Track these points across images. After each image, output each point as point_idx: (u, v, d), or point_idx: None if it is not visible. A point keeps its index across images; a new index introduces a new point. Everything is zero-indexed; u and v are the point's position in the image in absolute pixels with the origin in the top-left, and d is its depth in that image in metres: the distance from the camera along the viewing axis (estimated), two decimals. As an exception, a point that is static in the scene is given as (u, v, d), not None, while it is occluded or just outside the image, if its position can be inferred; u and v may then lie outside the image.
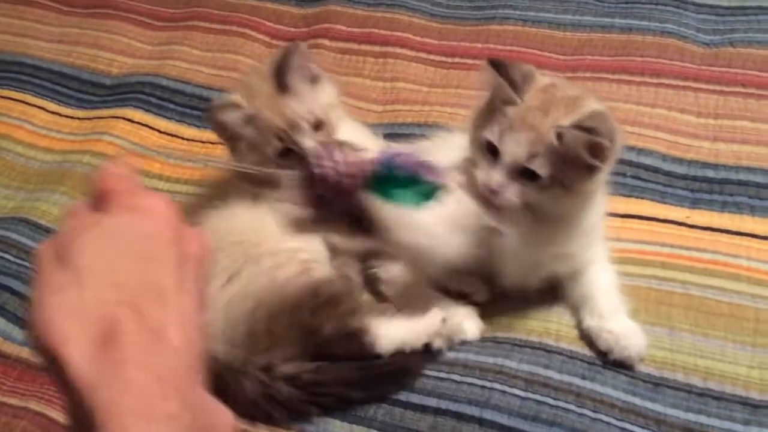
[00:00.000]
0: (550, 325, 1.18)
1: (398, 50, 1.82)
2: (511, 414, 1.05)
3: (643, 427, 1.04)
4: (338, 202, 1.16)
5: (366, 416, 1.08)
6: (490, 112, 1.11)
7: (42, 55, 2.02)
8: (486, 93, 1.13)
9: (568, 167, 1.06)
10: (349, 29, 1.90)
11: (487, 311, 1.22)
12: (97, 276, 0.54)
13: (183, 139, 1.73)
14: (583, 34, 1.78)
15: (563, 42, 1.77)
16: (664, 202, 1.40)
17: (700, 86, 1.61)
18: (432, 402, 1.08)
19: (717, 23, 1.75)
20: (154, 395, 0.50)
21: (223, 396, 1.08)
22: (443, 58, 1.80)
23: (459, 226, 1.12)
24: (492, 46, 1.77)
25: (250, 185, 1.25)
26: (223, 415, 0.59)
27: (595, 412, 1.06)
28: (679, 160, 1.47)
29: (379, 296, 1.26)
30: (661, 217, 1.37)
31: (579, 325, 1.18)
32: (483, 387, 1.09)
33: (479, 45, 1.79)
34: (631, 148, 1.48)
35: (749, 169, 1.44)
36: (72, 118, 1.84)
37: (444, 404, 1.08)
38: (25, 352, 1.27)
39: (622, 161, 1.36)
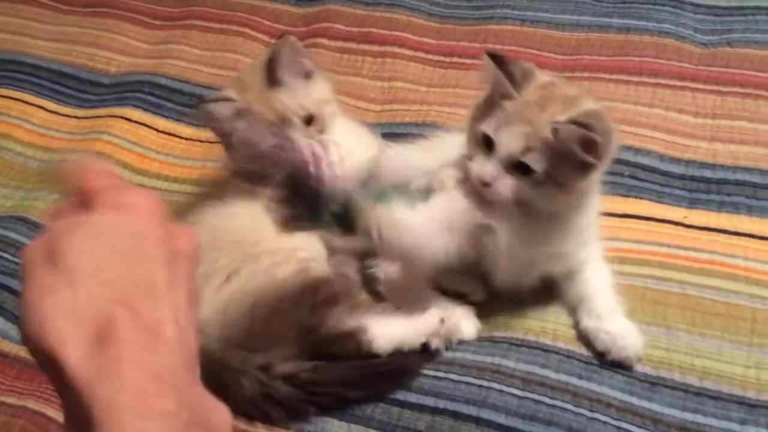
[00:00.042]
0: (547, 325, 1.19)
1: (397, 50, 1.83)
2: (509, 413, 1.06)
3: (639, 427, 1.04)
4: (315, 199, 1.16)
5: (364, 415, 1.08)
6: (488, 106, 1.11)
7: (40, 54, 2.02)
8: (485, 89, 1.14)
9: (563, 164, 1.06)
10: (348, 29, 1.90)
11: (484, 311, 1.22)
12: (89, 275, 0.54)
13: (181, 138, 1.74)
14: (581, 34, 1.78)
15: (561, 42, 1.77)
16: (662, 202, 1.40)
17: (698, 86, 1.61)
18: (429, 401, 1.08)
19: (715, 23, 1.75)
20: (151, 393, 0.50)
21: (221, 395, 1.09)
22: (441, 58, 1.80)
23: (448, 225, 1.12)
24: (490, 45, 1.77)
25: (247, 183, 1.26)
26: (220, 412, 0.59)
27: (591, 411, 1.06)
28: (677, 160, 1.48)
29: (377, 295, 1.26)
30: (659, 217, 1.38)
31: (576, 326, 1.18)
32: (480, 386, 1.09)
33: (477, 45, 1.79)
34: (629, 148, 1.48)
35: (747, 170, 1.44)
36: (71, 117, 1.84)
37: (441, 403, 1.08)
38: (24, 351, 1.27)
39: (619, 161, 1.37)
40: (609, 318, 1.15)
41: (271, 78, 1.24)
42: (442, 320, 1.16)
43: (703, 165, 1.46)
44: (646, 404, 1.07)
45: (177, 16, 2.06)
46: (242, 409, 1.08)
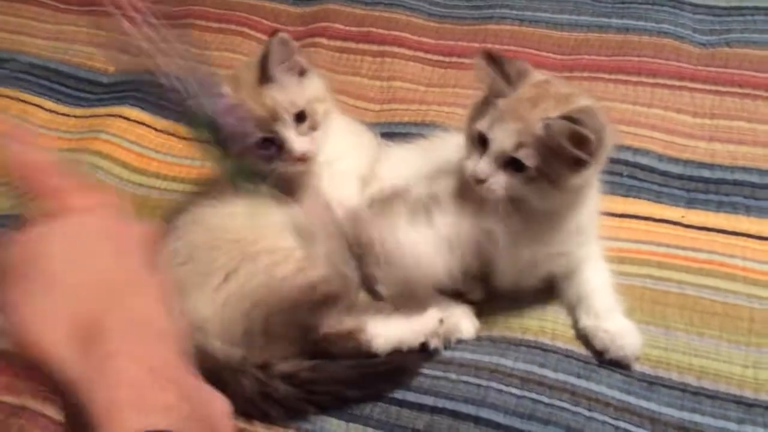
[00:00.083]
0: (545, 324, 1.19)
1: (396, 49, 1.83)
2: (507, 412, 1.06)
3: (637, 426, 1.05)
4: None
5: (362, 414, 1.08)
6: (485, 106, 1.12)
7: (38, 53, 2.02)
8: (483, 89, 1.14)
9: (555, 160, 1.05)
10: (347, 28, 1.90)
11: (483, 310, 1.22)
12: (65, 278, 0.54)
13: (180, 137, 1.73)
14: (580, 33, 1.78)
15: (560, 42, 1.78)
16: (660, 202, 1.41)
17: (697, 86, 1.62)
18: (428, 400, 1.08)
19: (713, 23, 1.76)
20: (149, 387, 0.51)
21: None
22: (441, 58, 1.81)
23: (450, 244, 1.14)
24: (489, 45, 1.77)
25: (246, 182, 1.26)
26: (218, 402, 0.60)
27: (590, 410, 1.06)
28: (675, 160, 1.48)
29: (376, 295, 1.26)
30: (657, 216, 1.38)
31: (575, 325, 1.18)
32: (479, 386, 1.09)
33: (477, 44, 1.79)
34: (627, 148, 1.49)
35: (745, 169, 1.44)
36: (69, 116, 1.84)
37: (440, 403, 1.08)
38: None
39: (618, 161, 1.37)
40: (608, 317, 1.15)
41: (263, 74, 1.24)
42: (441, 320, 1.16)
43: (702, 165, 1.46)
44: (644, 403, 1.08)
45: (175, 16, 2.06)
46: (241, 408, 1.08)
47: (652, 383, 1.10)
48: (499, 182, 1.09)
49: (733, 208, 1.38)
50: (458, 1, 1.92)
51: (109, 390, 0.50)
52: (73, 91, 1.91)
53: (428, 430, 1.05)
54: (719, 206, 1.39)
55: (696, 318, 1.19)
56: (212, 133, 1.15)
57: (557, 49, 1.76)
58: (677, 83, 1.63)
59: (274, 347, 1.12)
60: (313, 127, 1.26)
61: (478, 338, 1.18)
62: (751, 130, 1.52)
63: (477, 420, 1.05)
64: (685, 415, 1.06)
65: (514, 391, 1.08)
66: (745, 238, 1.33)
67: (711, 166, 1.46)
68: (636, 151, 1.49)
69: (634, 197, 1.41)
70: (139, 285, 0.57)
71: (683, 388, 1.10)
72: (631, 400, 1.08)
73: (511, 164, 1.08)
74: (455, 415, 1.06)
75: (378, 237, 1.16)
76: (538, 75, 1.14)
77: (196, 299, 1.13)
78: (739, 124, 1.54)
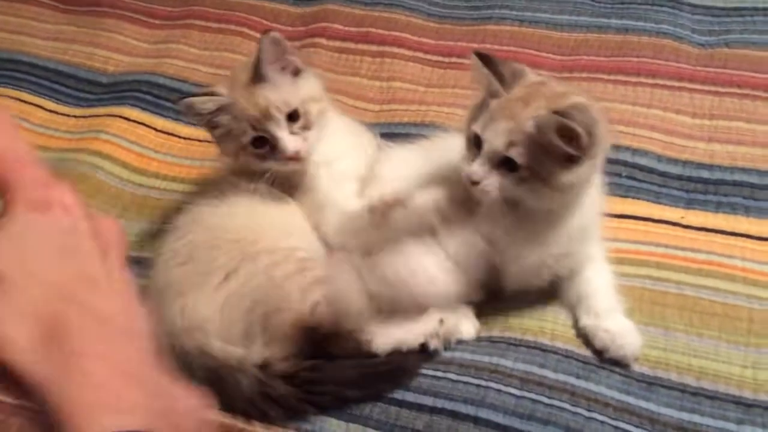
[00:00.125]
0: (545, 325, 1.19)
1: (395, 50, 1.83)
2: (507, 413, 1.05)
3: (637, 426, 1.04)
4: None
5: (362, 414, 1.08)
6: (482, 107, 1.12)
7: (38, 53, 2.02)
8: (481, 90, 1.14)
9: (546, 157, 1.05)
10: (347, 28, 1.90)
11: (482, 310, 1.22)
12: (25, 278, 0.53)
13: (179, 137, 1.74)
14: (579, 34, 1.78)
15: (560, 42, 1.78)
16: (659, 203, 1.41)
17: (696, 87, 1.62)
18: (428, 401, 1.08)
19: (712, 24, 1.76)
20: (116, 386, 0.50)
21: (219, 393, 1.10)
22: (440, 58, 1.81)
23: (458, 263, 1.15)
24: (489, 46, 1.78)
25: (244, 180, 1.27)
26: (189, 398, 0.59)
27: (589, 410, 1.06)
28: (674, 161, 1.48)
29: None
30: (656, 217, 1.38)
31: (575, 324, 1.18)
32: (478, 386, 1.09)
33: (476, 45, 1.79)
34: (627, 149, 1.49)
35: (744, 170, 1.45)
36: (69, 116, 1.84)
37: (440, 403, 1.08)
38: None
39: (617, 161, 1.37)
40: (608, 316, 1.15)
41: (256, 74, 1.25)
42: (441, 321, 1.16)
43: (701, 165, 1.47)
44: (643, 404, 1.07)
45: (176, 16, 2.06)
46: (240, 407, 1.08)
47: (652, 384, 1.10)
48: (492, 183, 1.09)
49: (732, 209, 1.38)
50: (458, 2, 1.92)
51: (76, 391, 0.49)
52: (73, 91, 1.91)
53: (428, 431, 1.05)
54: (718, 207, 1.39)
55: (695, 318, 1.19)
56: None
57: (557, 50, 1.76)
58: (676, 84, 1.63)
59: (273, 347, 1.12)
60: (307, 127, 1.26)
61: (478, 339, 1.18)
62: (750, 131, 1.53)
63: (476, 420, 1.05)
64: (685, 416, 1.06)
65: (513, 391, 1.08)
66: (744, 238, 1.33)
67: (710, 167, 1.47)
68: (635, 151, 1.49)
69: (634, 198, 1.41)
70: (102, 282, 0.56)
71: (682, 389, 1.09)
72: (631, 400, 1.08)
73: (504, 164, 1.08)
74: (455, 415, 1.06)
75: (386, 261, 1.17)
76: (533, 76, 1.14)
77: (196, 299, 1.13)
78: (738, 125, 1.54)
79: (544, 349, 1.15)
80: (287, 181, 1.28)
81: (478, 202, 1.14)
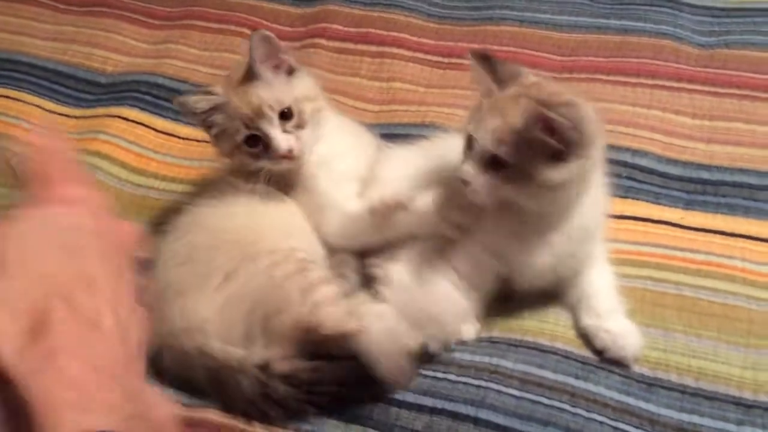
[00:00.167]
0: (545, 326, 1.19)
1: (395, 50, 1.83)
2: (506, 413, 1.06)
3: (636, 427, 1.05)
4: None
5: (362, 415, 1.08)
6: (479, 107, 1.12)
7: (37, 53, 2.01)
8: (480, 90, 1.14)
9: (532, 154, 1.05)
10: (346, 29, 1.90)
11: (482, 311, 1.22)
12: (23, 269, 0.54)
13: (179, 137, 1.74)
14: (579, 35, 1.78)
15: (560, 43, 1.77)
16: (659, 204, 1.41)
17: (695, 88, 1.62)
18: (428, 401, 1.08)
19: (712, 25, 1.76)
20: (91, 386, 0.50)
21: (219, 394, 1.10)
22: (440, 59, 1.81)
23: (472, 283, 1.16)
24: (489, 46, 1.77)
25: (243, 180, 1.27)
26: (164, 406, 0.59)
27: (588, 411, 1.06)
28: (674, 162, 1.48)
29: (378, 296, 1.26)
30: (656, 218, 1.38)
31: (576, 324, 1.18)
32: (478, 386, 1.09)
33: (476, 45, 1.79)
34: (626, 150, 1.49)
35: (743, 171, 1.45)
36: (69, 116, 1.84)
37: (440, 404, 1.08)
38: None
39: (617, 162, 1.37)
40: (609, 317, 1.15)
41: (249, 72, 1.25)
42: (443, 323, 1.17)
43: (700, 166, 1.47)
44: (643, 405, 1.07)
45: (175, 16, 2.06)
46: (240, 408, 1.08)
47: (651, 384, 1.10)
48: (482, 183, 1.09)
49: (732, 210, 1.39)
50: (458, 2, 1.92)
51: (50, 387, 0.49)
52: (72, 91, 1.91)
53: (427, 431, 1.05)
54: (718, 207, 1.39)
55: (695, 319, 1.19)
56: None
57: (557, 51, 1.76)
58: (676, 84, 1.63)
59: (273, 348, 1.12)
60: (300, 126, 1.27)
61: (478, 339, 1.18)
62: (749, 132, 1.53)
63: (476, 421, 1.05)
64: (684, 417, 1.06)
65: (513, 392, 1.08)
66: (743, 239, 1.33)
67: (710, 168, 1.47)
68: (635, 152, 1.49)
69: (633, 199, 1.41)
70: (99, 283, 0.56)
71: (682, 390, 1.09)
72: (630, 401, 1.08)
73: (493, 164, 1.08)
74: (454, 416, 1.06)
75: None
76: (531, 77, 1.13)
77: (196, 300, 1.13)
78: (737, 126, 1.54)
79: (543, 350, 1.15)
80: (284, 181, 1.28)
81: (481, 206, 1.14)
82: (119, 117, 1.80)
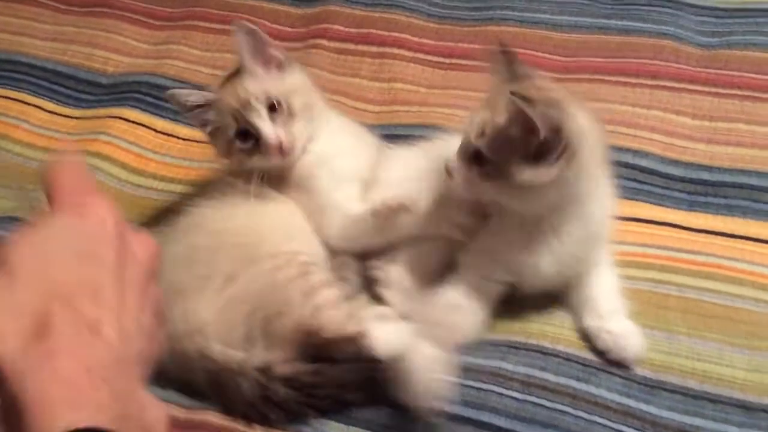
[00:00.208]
0: (546, 328, 1.18)
1: (396, 51, 1.82)
2: (508, 416, 1.05)
3: (639, 430, 1.04)
4: None
5: (363, 418, 1.08)
6: None
7: (37, 54, 2.01)
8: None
9: (510, 151, 1.04)
10: (347, 29, 1.89)
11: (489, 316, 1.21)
12: (31, 274, 0.55)
13: (179, 138, 1.74)
14: (580, 35, 1.77)
15: (561, 43, 1.77)
16: (661, 205, 1.40)
17: (697, 88, 1.61)
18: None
19: (714, 25, 1.75)
20: (83, 385, 0.51)
21: (220, 396, 1.10)
22: (441, 59, 1.80)
23: (482, 293, 1.16)
24: (490, 47, 1.77)
25: (242, 181, 1.27)
26: (156, 409, 0.60)
27: (590, 414, 1.05)
28: (675, 162, 1.48)
29: (378, 298, 1.26)
30: (658, 219, 1.38)
31: (578, 325, 1.18)
32: (480, 389, 1.08)
33: (478, 46, 1.78)
34: (627, 150, 1.49)
35: (744, 172, 1.44)
36: (69, 117, 1.85)
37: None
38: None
39: (618, 163, 1.37)
40: (611, 318, 1.15)
41: (239, 68, 1.28)
42: (444, 325, 1.16)
43: (701, 167, 1.47)
44: (645, 407, 1.07)
45: (176, 17, 2.05)
46: (241, 410, 1.08)
47: (654, 387, 1.10)
48: (463, 176, 1.09)
49: (733, 211, 1.39)
50: (458, 3, 1.91)
51: (42, 384, 0.50)
52: (72, 92, 1.91)
53: (428, 434, 1.05)
54: (719, 209, 1.39)
55: (698, 321, 1.19)
56: None
57: (558, 51, 1.75)
58: (677, 85, 1.63)
59: (274, 350, 1.12)
60: (290, 118, 1.27)
61: (479, 342, 1.18)
62: (750, 132, 1.52)
63: (477, 424, 1.05)
64: (687, 420, 1.05)
65: (515, 394, 1.08)
66: (745, 241, 1.33)
67: (710, 169, 1.47)
68: (636, 153, 1.49)
69: (635, 200, 1.41)
70: (105, 293, 0.57)
71: (685, 392, 1.09)
72: (633, 403, 1.07)
73: (475, 157, 1.08)
74: (456, 418, 1.06)
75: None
76: (543, 80, 1.12)
77: (197, 301, 1.13)
78: (738, 126, 1.53)
79: (545, 353, 1.14)
80: (283, 181, 1.28)
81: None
82: (120, 118, 1.80)
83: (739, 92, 1.59)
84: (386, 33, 1.86)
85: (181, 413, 1.10)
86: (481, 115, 1.06)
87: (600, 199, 1.15)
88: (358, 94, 1.76)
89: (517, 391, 1.08)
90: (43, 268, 0.56)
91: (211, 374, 1.10)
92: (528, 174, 1.04)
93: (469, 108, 1.18)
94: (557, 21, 1.81)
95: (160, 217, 1.47)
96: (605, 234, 1.20)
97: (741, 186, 1.42)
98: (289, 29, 1.95)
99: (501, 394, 1.08)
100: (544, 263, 1.14)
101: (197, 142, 1.69)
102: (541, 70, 1.28)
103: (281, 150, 1.24)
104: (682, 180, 1.44)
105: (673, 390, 1.09)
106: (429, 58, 1.81)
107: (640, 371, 1.12)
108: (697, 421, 1.05)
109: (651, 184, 1.44)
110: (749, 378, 1.10)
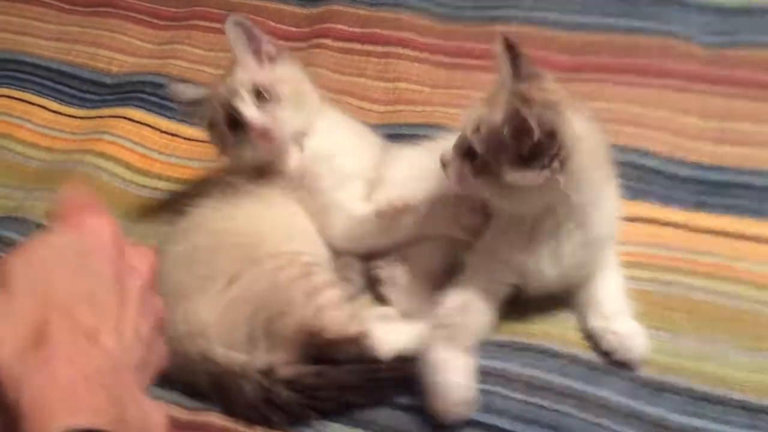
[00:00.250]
0: (551, 329, 1.18)
1: (401, 50, 1.81)
2: (512, 418, 1.05)
3: (644, 431, 1.04)
4: None
5: (365, 420, 1.08)
6: None
7: (40, 53, 2.02)
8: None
9: (501, 150, 1.03)
10: (352, 29, 1.89)
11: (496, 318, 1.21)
12: (29, 287, 0.56)
13: (184, 138, 1.73)
14: (587, 35, 1.76)
15: (567, 43, 1.75)
16: (667, 205, 1.40)
17: (704, 88, 1.60)
18: (432, 405, 1.08)
19: (722, 25, 1.73)
20: (80, 390, 0.52)
21: (222, 398, 1.09)
22: (446, 59, 1.79)
23: (487, 292, 1.14)
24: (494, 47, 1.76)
25: (244, 180, 1.28)
26: (157, 415, 0.61)
27: (595, 416, 1.05)
28: (682, 163, 1.47)
29: (382, 298, 1.26)
30: (664, 220, 1.37)
31: (583, 326, 1.18)
32: (484, 391, 1.08)
33: (483, 45, 1.78)
34: (634, 150, 1.48)
35: (751, 172, 1.43)
36: (74, 117, 1.85)
37: (444, 408, 1.07)
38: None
39: (624, 163, 1.36)
40: (617, 319, 1.14)
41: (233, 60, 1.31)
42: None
43: (709, 168, 1.45)
44: (650, 409, 1.07)
45: (180, 17, 2.05)
46: (243, 413, 1.08)
47: (659, 388, 1.09)
48: (455, 169, 1.09)
49: (741, 212, 1.37)
50: (464, 2, 1.90)
51: (40, 389, 0.51)
52: (77, 92, 1.91)
53: (432, 436, 1.05)
54: (726, 209, 1.38)
55: (703, 322, 1.18)
56: None
57: (564, 51, 1.74)
58: (684, 85, 1.61)
59: (277, 352, 1.11)
60: (274, 102, 1.28)
61: (484, 343, 1.17)
62: (759, 132, 1.51)
63: (482, 426, 1.05)
64: (693, 421, 1.05)
65: (519, 396, 1.08)
66: (752, 241, 1.32)
67: (717, 169, 1.45)
68: (643, 153, 1.48)
69: (641, 200, 1.40)
70: (98, 304, 0.58)
71: (690, 394, 1.08)
72: (638, 405, 1.07)
73: (468, 152, 1.07)
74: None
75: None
76: (550, 82, 1.11)
77: (198, 303, 1.13)
78: (747, 126, 1.52)
79: (550, 354, 1.14)
80: (284, 181, 1.28)
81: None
82: (124, 118, 1.80)
83: (746, 92, 1.57)
84: (391, 32, 1.85)
85: (183, 414, 1.10)
86: (479, 111, 1.06)
87: (602, 204, 1.14)
88: (362, 94, 1.75)
89: (521, 392, 1.08)
90: (41, 281, 0.57)
91: (214, 377, 1.09)
92: (517, 175, 1.03)
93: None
94: (563, 20, 1.80)
95: (164, 218, 1.47)
96: (610, 237, 1.19)
97: (747, 186, 1.41)
98: (293, 29, 1.94)
99: (505, 396, 1.08)
100: (544, 266, 1.13)
101: (201, 141, 1.68)
102: (548, 70, 1.27)
103: (266, 135, 1.25)
104: (688, 180, 1.43)
105: (678, 391, 1.09)
106: (434, 57, 1.80)
107: (645, 372, 1.11)
108: (702, 423, 1.05)
109: (658, 185, 1.43)
110: (754, 379, 1.10)
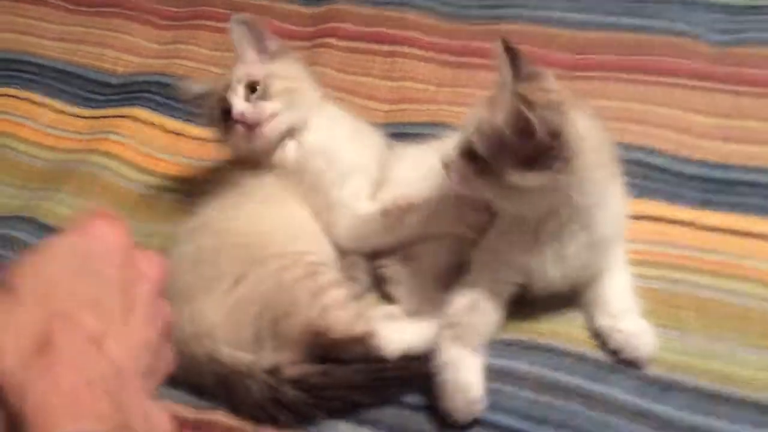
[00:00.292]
0: (559, 327, 1.18)
1: (406, 49, 1.81)
2: (520, 416, 1.05)
3: (651, 429, 1.03)
4: None
5: (372, 419, 1.08)
6: None
7: (44, 53, 2.03)
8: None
9: (504, 152, 1.02)
10: (357, 28, 1.89)
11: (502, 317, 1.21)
12: (33, 294, 0.56)
13: (189, 138, 1.74)
14: (592, 33, 1.76)
15: (573, 41, 1.75)
16: (674, 203, 1.39)
17: (711, 86, 1.59)
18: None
19: (729, 22, 1.73)
20: (84, 395, 0.52)
21: (228, 398, 1.09)
22: (452, 58, 1.79)
23: (494, 291, 1.14)
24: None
25: (249, 174, 1.30)
26: (162, 421, 0.61)
27: (603, 414, 1.05)
28: (689, 161, 1.46)
29: (388, 296, 1.26)
30: (671, 217, 1.37)
31: (590, 324, 1.17)
32: (492, 389, 1.07)
33: (488, 44, 1.76)
34: (640, 148, 1.47)
35: (760, 170, 1.43)
36: (78, 117, 1.85)
37: (451, 407, 1.07)
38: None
39: (630, 161, 1.36)
40: (624, 317, 1.14)
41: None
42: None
43: (716, 165, 1.45)
44: (658, 407, 1.06)
45: (185, 16, 2.06)
46: (250, 413, 1.08)
47: (667, 387, 1.09)
48: (457, 170, 1.09)
49: (748, 210, 1.37)
50: (469, 1, 1.90)
51: (43, 395, 0.51)
52: (82, 92, 1.92)
53: (439, 435, 1.04)
54: (733, 207, 1.37)
55: (710, 320, 1.18)
56: None
57: (570, 49, 1.74)
58: (690, 83, 1.61)
59: (283, 352, 1.11)
60: (263, 97, 1.29)
61: (491, 341, 1.17)
62: (765, 131, 1.50)
63: (489, 424, 1.05)
64: (700, 419, 1.04)
65: (527, 394, 1.07)
66: (759, 239, 1.31)
67: (724, 167, 1.45)
68: (649, 151, 1.48)
69: (648, 198, 1.39)
70: (103, 309, 0.58)
71: (698, 392, 1.08)
72: (646, 403, 1.06)
73: (470, 154, 1.07)
74: (467, 419, 1.05)
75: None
76: (552, 82, 1.11)
77: (204, 303, 1.13)
78: (753, 124, 1.52)
79: (557, 352, 1.14)
80: (289, 180, 1.28)
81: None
82: (130, 117, 1.80)
83: (753, 90, 1.57)
84: (397, 31, 1.86)
85: (190, 413, 1.10)
86: (481, 112, 1.06)
87: (607, 204, 1.13)
88: (368, 93, 1.75)
89: (529, 391, 1.08)
90: (45, 287, 0.57)
91: (220, 377, 1.09)
92: (520, 176, 1.03)
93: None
94: (569, 19, 1.80)
95: (169, 217, 1.47)
96: (616, 237, 1.19)
97: (754, 184, 1.41)
98: (299, 28, 1.95)
99: (513, 395, 1.08)
100: (548, 267, 1.13)
101: (207, 141, 1.68)
102: (553, 68, 1.27)
103: (246, 124, 1.27)
104: (695, 178, 1.43)
105: (686, 389, 1.08)
106: (440, 56, 1.80)
107: (653, 371, 1.11)
108: (710, 421, 1.04)
109: (664, 183, 1.43)
110: (762, 377, 1.09)
